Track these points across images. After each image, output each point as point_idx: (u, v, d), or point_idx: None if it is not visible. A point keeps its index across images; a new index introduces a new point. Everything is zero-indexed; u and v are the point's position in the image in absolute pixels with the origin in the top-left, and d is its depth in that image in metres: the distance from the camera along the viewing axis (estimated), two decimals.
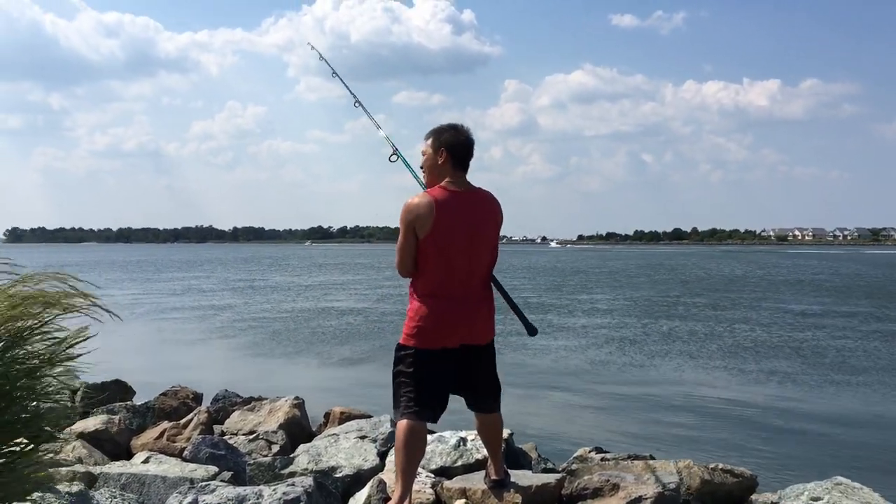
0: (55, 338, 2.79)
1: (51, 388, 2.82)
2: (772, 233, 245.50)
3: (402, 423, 3.58)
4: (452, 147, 3.63)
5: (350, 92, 4.84)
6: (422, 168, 3.79)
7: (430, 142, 3.70)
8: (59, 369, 2.81)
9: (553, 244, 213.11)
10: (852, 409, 9.62)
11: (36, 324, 2.74)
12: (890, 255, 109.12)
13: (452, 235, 3.53)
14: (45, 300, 2.78)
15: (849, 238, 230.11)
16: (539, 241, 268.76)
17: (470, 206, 3.60)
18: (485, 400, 3.81)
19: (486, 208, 3.68)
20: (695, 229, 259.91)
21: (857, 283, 38.22)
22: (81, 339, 2.80)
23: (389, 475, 4.34)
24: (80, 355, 2.84)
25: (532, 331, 3.85)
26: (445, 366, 3.62)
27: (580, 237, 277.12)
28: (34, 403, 2.76)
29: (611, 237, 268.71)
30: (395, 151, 4.37)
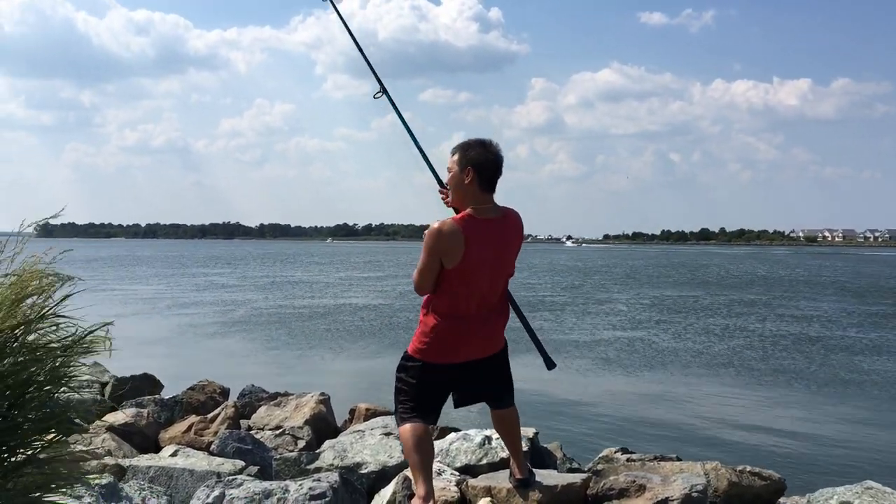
0: (72, 325, 2.80)
1: (77, 379, 2.84)
2: (801, 234, 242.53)
3: (406, 428, 3.57)
4: (480, 166, 3.41)
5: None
6: (446, 186, 3.64)
7: (456, 158, 3.49)
8: (81, 357, 2.82)
9: (568, 243, 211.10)
10: (882, 413, 9.48)
11: (44, 309, 2.74)
12: None
13: (478, 267, 3.42)
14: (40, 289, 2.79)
15: (879, 239, 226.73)
16: (564, 240, 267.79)
17: (499, 238, 3.47)
18: (499, 396, 3.81)
19: (512, 232, 3.56)
20: (723, 230, 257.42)
21: (881, 283, 37.67)
22: (99, 326, 2.81)
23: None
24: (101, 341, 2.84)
25: (550, 365, 3.82)
26: (447, 377, 3.61)
27: (606, 236, 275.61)
28: (63, 392, 2.78)
29: (637, 237, 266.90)
30: (382, 90, 4.28)
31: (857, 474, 4.84)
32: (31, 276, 2.71)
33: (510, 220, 3.56)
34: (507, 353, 3.77)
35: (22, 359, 2.60)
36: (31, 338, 2.67)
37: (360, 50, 4.62)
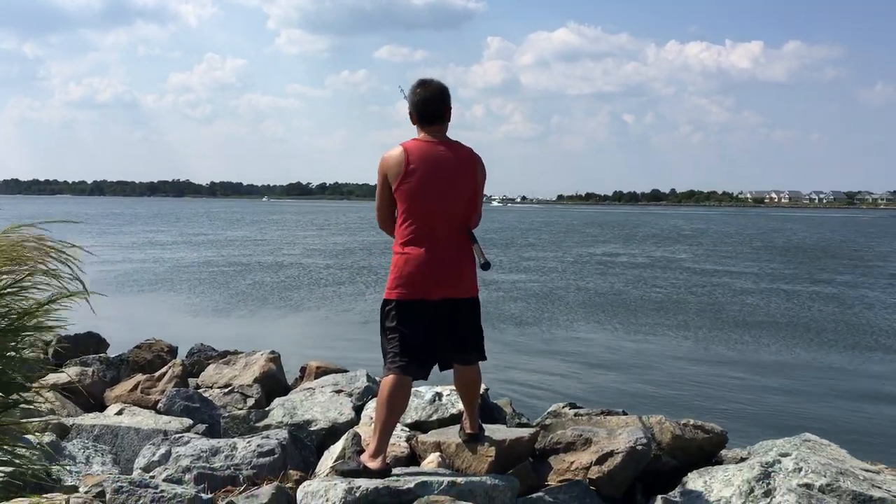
0: (32, 296, 2.74)
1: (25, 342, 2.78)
2: (749, 195, 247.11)
3: (388, 378, 3.59)
4: (416, 106, 3.71)
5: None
6: None
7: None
8: (33, 322, 2.76)
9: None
10: (819, 367, 9.78)
11: (11, 280, 2.68)
12: (855, 217, 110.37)
13: (422, 184, 3.57)
14: (16, 256, 2.73)
15: (824, 201, 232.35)
16: (519, 200, 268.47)
17: (442, 157, 3.62)
18: (467, 352, 3.81)
19: (459, 160, 3.67)
20: (673, 191, 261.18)
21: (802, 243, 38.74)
22: (61, 297, 2.75)
23: (364, 429, 4.36)
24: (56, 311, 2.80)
25: (485, 266, 3.80)
26: (428, 317, 3.62)
27: (560, 197, 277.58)
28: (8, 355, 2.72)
29: (590, 197, 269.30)
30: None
31: (796, 427, 4.99)
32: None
33: (456, 147, 3.70)
34: (478, 306, 3.80)
35: None
36: None
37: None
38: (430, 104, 3.70)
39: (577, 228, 56.25)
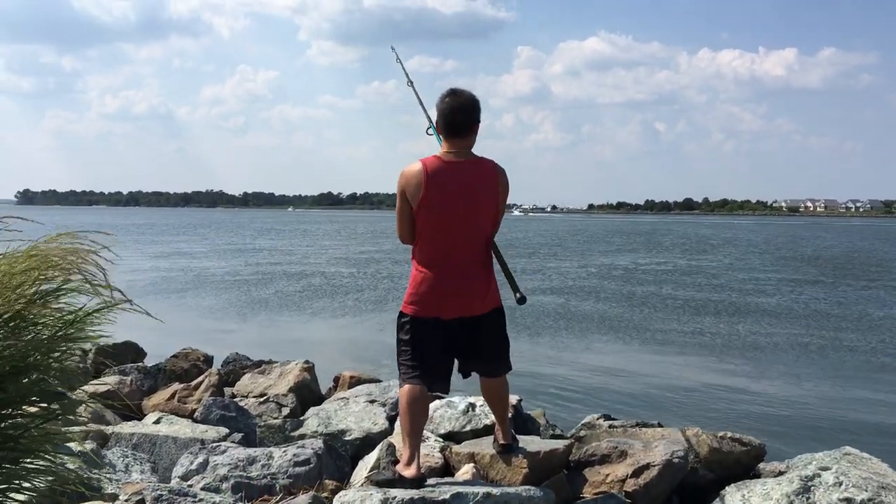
0: (72, 309, 2.79)
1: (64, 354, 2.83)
2: (783, 204, 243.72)
3: (404, 389, 3.61)
4: (442, 114, 3.59)
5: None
6: None
7: None
8: (76, 331, 2.81)
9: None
10: (860, 380, 9.61)
11: (51, 291, 2.74)
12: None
13: (443, 205, 3.48)
14: (61, 266, 2.79)
15: (861, 210, 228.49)
16: (549, 209, 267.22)
17: (463, 175, 3.52)
18: (490, 364, 3.80)
19: (482, 176, 3.58)
20: (706, 199, 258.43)
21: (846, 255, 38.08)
22: (107, 307, 2.80)
23: (398, 439, 4.36)
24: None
25: (522, 300, 3.74)
26: (441, 335, 3.60)
27: (590, 206, 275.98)
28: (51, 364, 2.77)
29: (621, 206, 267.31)
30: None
31: (836, 440, 4.91)
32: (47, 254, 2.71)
33: (478, 163, 3.59)
34: (502, 317, 3.74)
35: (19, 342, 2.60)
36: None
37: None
38: (458, 114, 3.56)
39: (601, 237, 56.01)
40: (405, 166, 3.56)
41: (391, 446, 4.12)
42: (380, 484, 3.47)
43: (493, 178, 3.59)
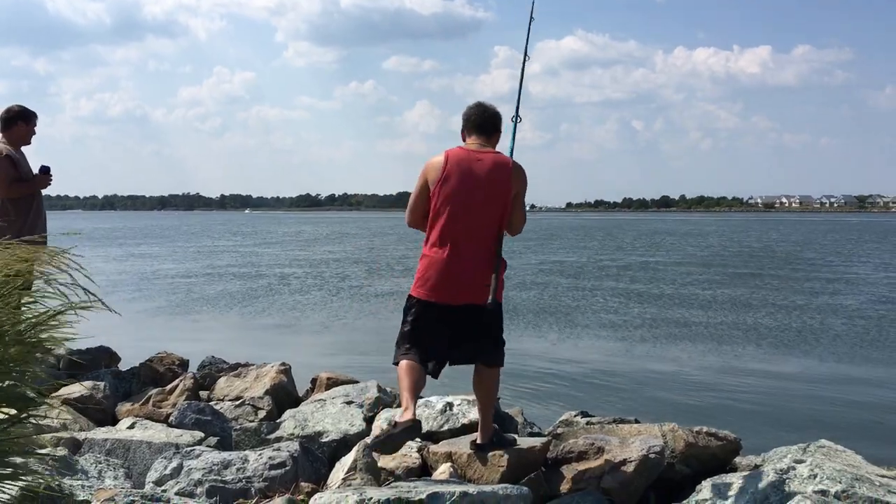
0: (40, 307, 2.75)
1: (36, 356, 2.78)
2: (759, 200, 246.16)
3: (400, 364, 3.77)
4: (466, 118, 4.02)
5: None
6: None
7: None
8: (44, 335, 2.77)
9: None
10: (834, 372, 9.71)
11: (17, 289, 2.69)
12: (868, 221, 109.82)
13: (453, 189, 3.74)
14: (24, 268, 2.74)
15: (835, 205, 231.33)
16: (527, 208, 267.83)
17: (476, 165, 3.79)
18: (490, 353, 3.89)
19: (497, 168, 3.82)
20: (683, 197, 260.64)
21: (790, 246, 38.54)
22: (73, 307, 2.76)
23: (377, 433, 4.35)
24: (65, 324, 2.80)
25: (490, 305, 3.69)
26: (448, 319, 3.77)
27: (569, 204, 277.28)
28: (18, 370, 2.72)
29: (599, 205, 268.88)
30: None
31: (811, 433, 4.95)
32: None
33: (492, 156, 3.88)
34: (499, 310, 3.87)
35: None
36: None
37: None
38: (483, 115, 4.00)
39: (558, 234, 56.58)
40: (430, 157, 3.93)
41: (367, 448, 4.11)
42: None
43: (506, 172, 3.83)
